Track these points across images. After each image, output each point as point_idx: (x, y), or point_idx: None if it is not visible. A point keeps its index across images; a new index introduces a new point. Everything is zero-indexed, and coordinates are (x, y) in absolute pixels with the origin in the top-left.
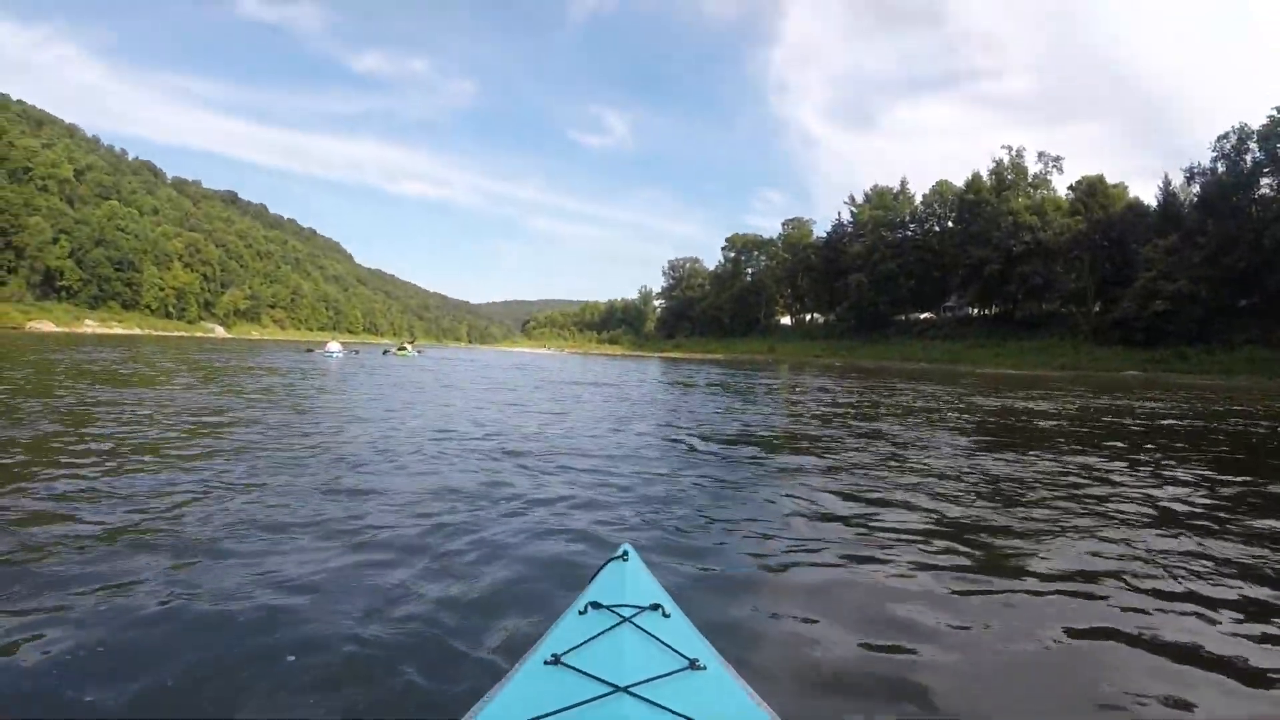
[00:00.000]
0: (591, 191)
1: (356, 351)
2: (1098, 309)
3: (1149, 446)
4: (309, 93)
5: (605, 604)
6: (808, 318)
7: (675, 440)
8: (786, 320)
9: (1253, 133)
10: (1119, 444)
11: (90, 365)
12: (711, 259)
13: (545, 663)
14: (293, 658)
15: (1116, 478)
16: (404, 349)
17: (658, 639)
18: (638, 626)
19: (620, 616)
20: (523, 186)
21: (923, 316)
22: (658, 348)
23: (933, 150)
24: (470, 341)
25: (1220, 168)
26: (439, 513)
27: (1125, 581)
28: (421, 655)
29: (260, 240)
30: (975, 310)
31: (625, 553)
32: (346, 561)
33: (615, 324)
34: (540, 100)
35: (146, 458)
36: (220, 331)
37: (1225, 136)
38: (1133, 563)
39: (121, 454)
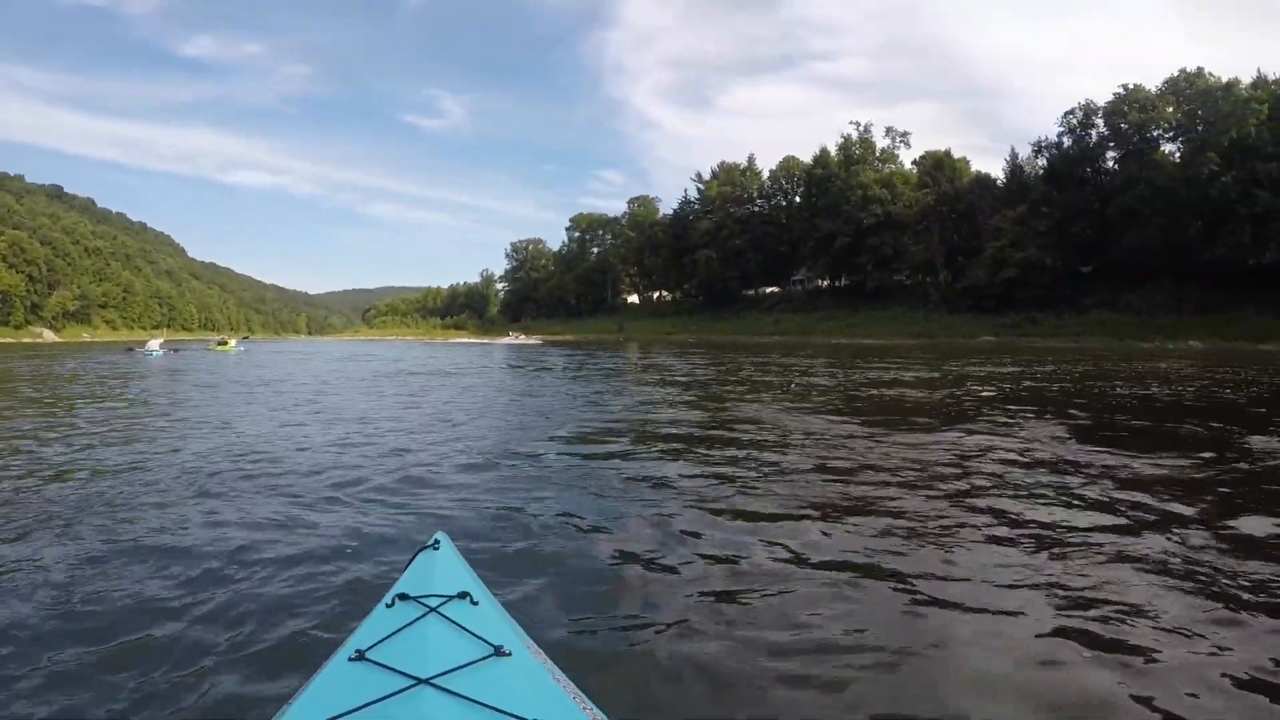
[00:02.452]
0: (430, 176)
1: (177, 350)
2: (947, 278)
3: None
4: (139, 80)
5: (413, 595)
6: (656, 295)
7: (516, 444)
8: (634, 299)
9: (1099, 109)
10: (1021, 411)
11: None
12: (554, 240)
13: (349, 659)
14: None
15: (992, 442)
16: (224, 344)
17: (464, 628)
18: (444, 616)
19: (427, 607)
20: (361, 173)
21: (771, 291)
22: (504, 331)
23: (771, 130)
24: (310, 333)
25: (1066, 142)
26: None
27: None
28: (238, 664)
29: (88, 236)
30: (825, 283)
31: (437, 541)
32: (153, 572)
33: (459, 309)
34: (378, 84)
35: None
36: (49, 335)
37: (1072, 112)
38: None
39: None
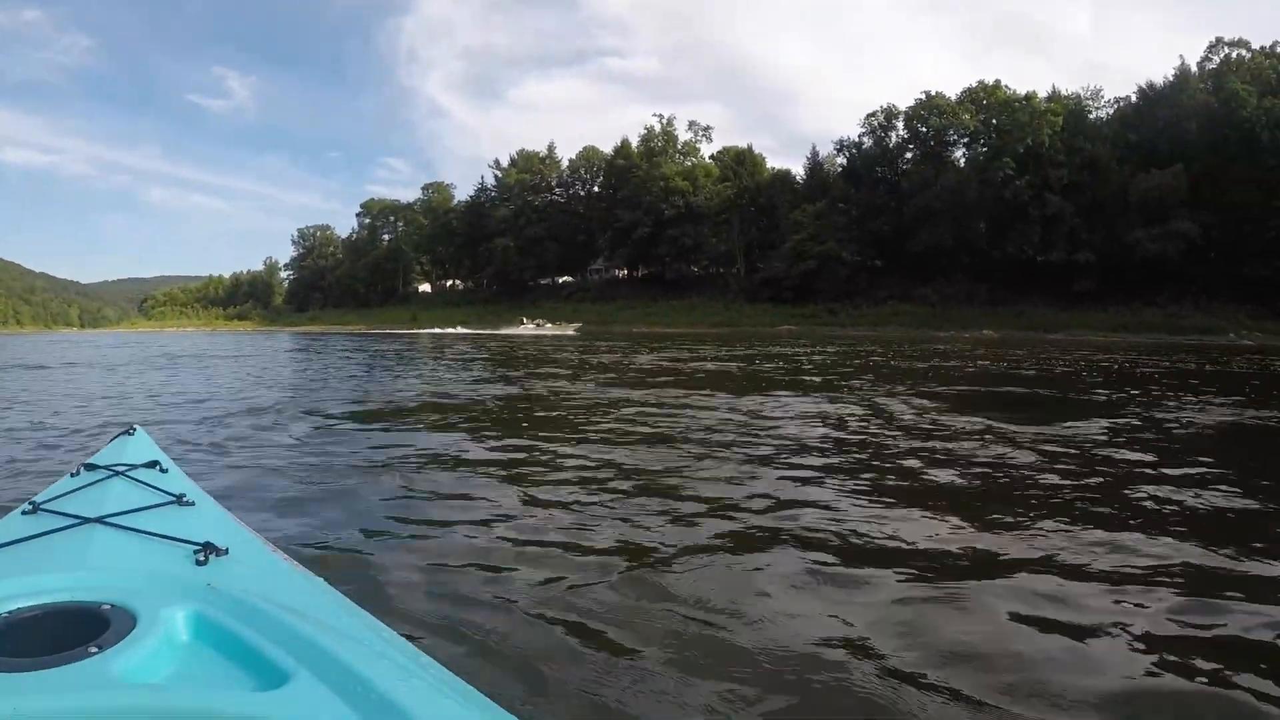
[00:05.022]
0: (212, 161)
1: None
2: (747, 270)
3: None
4: None
5: (101, 464)
6: (449, 284)
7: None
8: (427, 287)
9: (899, 112)
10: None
11: None
12: (339, 228)
13: (23, 513)
14: None
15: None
16: None
17: (149, 485)
18: (130, 478)
19: (113, 471)
20: (139, 155)
21: (567, 280)
22: (291, 321)
23: (563, 123)
24: (83, 326)
25: (867, 142)
26: None
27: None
28: None
29: None
30: (624, 273)
31: (132, 428)
32: None
33: (242, 298)
34: (162, 61)
35: None
36: None
37: (874, 114)
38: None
39: None
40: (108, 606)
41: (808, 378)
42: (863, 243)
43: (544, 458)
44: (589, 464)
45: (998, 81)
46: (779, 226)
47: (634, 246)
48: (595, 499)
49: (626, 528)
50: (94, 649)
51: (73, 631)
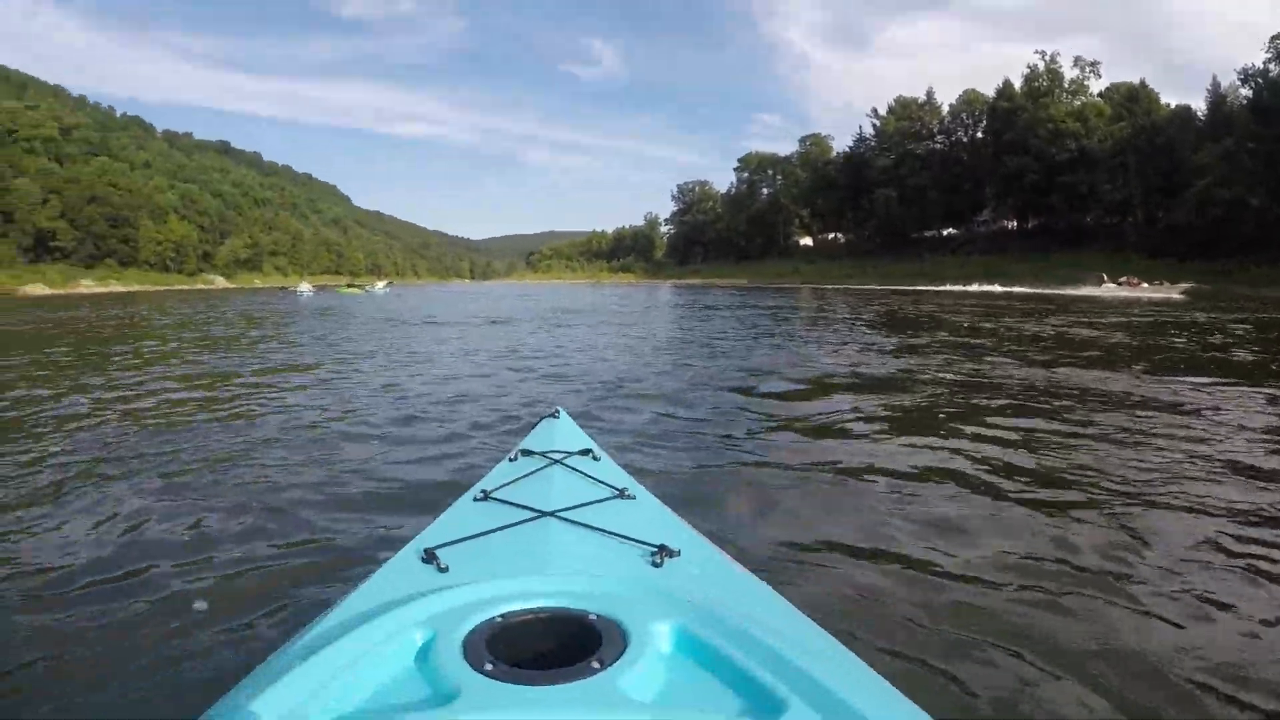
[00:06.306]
0: (586, 121)
1: (318, 291)
2: (1142, 218)
3: None
4: (298, 41)
5: (537, 450)
6: (830, 237)
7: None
8: (807, 241)
9: None
10: None
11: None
12: (716, 183)
13: (475, 500)
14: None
15: None
16: (354, 286)
17: (587, 475)
18: (568, 467)
19: (550, 459)
20: (517, 121)
21: (950, 233)
22: (673, 274)
23: (933, 67)
24: (474, 278)
25: (1274, 69)
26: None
27: None
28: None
29: (256, 188)
30: (1012, 224)
31: (556, 411)
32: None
33: (624, 252)
34: (529, 33)
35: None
36: (221, 282)
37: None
38: None
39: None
40: (594, 617)
41: None
42: (1274, 188)
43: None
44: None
45: None
46: (1179, 170)
47: (1023, 194)
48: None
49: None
50: (595, 664)
51: (567, 642)
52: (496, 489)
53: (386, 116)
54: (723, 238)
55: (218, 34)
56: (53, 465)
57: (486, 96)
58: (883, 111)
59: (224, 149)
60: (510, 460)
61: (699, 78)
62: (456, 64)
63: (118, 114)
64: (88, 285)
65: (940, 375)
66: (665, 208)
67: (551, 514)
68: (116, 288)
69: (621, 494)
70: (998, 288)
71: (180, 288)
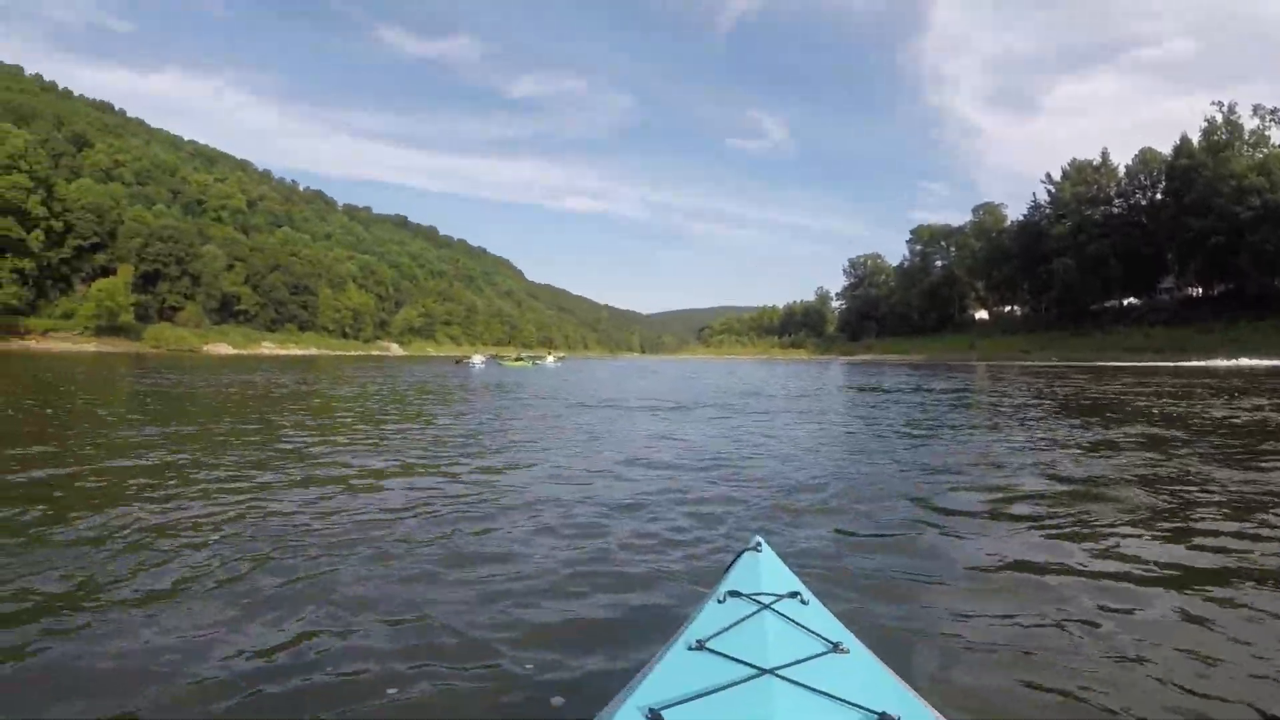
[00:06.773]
0: (752, 195)
1: (484, 361)
2: None
3: None
4: (470, 119)
5: (744, 592)
6: (1006, 309)
7: None
8: (982, 314)
9: None
10: None
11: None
12: (886, 256)
13: (689, 648)
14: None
15: None
16: (521, 360)
17: (799, 624)
18: (778, 613)
19: (760, 604)
20: (685, 195)
21: (1128, 303)
22: (845, 349)
23: (1098, 126)
24: (643, 351)
25: None
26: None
27: None
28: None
29: (433, 260)
30: (1197, 291)
31: (758, 544)
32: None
33: (795, 327)
34: (695, 108)
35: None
36: (396, 349)
37: None
38: None
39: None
40: None
41: None
42: None
43: None
44: None
45: None
46: None
47: (1207, 258)
48: None
49: None
50: None
51: None
52: (710, 638)
53: (557, 192)
54: (896, 312)
55: (397, 112)
56: (264, 548)
57: (654, 172)
58: (1057, 176)
59: (401, 222)
60: (719, 602)
61: (864, 148)
62: (624, 140)
63: (301, 188)
64: (268, 347)
65: (1149, 476)
66: (831, 280)
67: (770, 671)
68: (295, 350)
69: (836, 648)
70: (1245, 361)
71: (356, 353)
